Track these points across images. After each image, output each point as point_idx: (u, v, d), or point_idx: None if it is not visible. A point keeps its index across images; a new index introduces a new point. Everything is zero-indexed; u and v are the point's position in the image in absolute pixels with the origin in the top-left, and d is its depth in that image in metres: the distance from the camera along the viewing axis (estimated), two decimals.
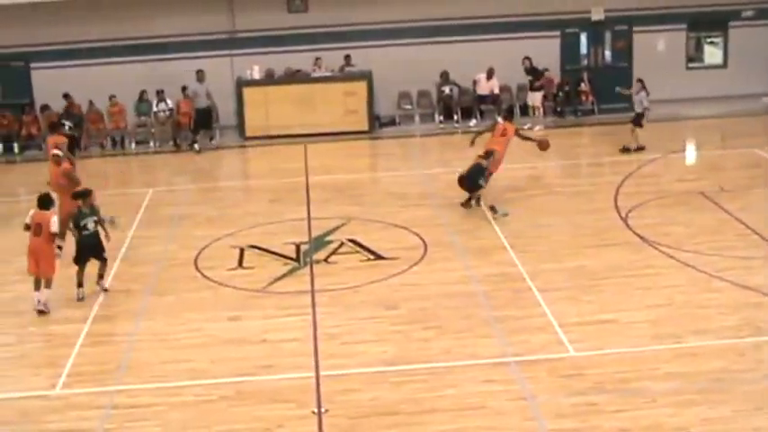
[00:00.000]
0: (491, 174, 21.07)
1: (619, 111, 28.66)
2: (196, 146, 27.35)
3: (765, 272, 17.08)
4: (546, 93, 28.54)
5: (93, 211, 17.13)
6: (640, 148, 25.02)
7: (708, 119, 27.90)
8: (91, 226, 16.95)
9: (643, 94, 25.16)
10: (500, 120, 22.72)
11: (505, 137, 21.71)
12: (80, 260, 16.96)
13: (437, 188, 22.63)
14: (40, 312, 16.28)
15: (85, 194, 17.18)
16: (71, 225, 17.10)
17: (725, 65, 30.41)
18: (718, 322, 15.15)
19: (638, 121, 25.14)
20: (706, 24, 30.55)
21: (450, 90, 28.75)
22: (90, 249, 17.00)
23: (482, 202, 20.96)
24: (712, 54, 30.85)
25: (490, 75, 28.33)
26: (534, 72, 28.45)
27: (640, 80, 25.65)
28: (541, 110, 28.50)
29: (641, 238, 18.89)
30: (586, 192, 22.19)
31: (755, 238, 18.71)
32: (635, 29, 29.89)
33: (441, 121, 28.67)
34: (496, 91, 28.55)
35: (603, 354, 14.21)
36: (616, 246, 18.55)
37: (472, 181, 20.61)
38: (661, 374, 13.51)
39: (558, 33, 29.51)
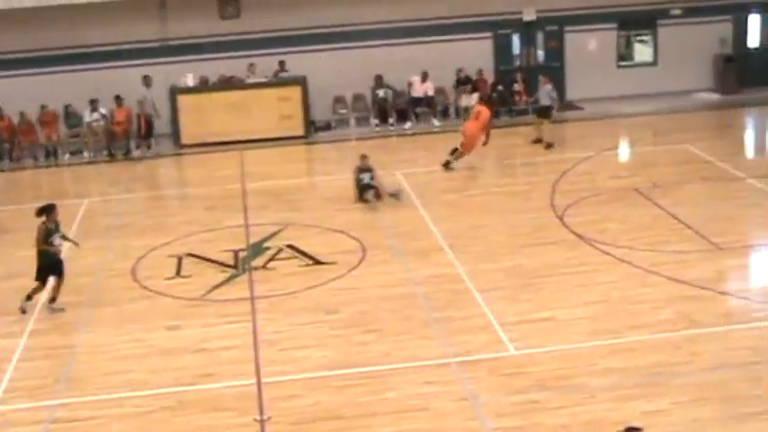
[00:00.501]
0: (462, 153, 23.05)
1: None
2: (137, 152, 27.25)
3: (699, 265, 17.34)
4: (481, 94, 28.69)
5: (58, 226, 16.92)
6: (550, 145, 25.43)
7: (639, 116, 28.24)
8: (57, 242, 16.77)
9: (549, 87, 25.90)
10: (475, 102, 23.63)
11: (478, 120, 23.20)
12: (44, 276, 16.70)
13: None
14: None
15: (50, 210, 16.81)
16: (42, 242, 16.58)
17: (655, 63, 30.81)
18: (653, 316, 15.36)
19: (545, 113, 25.73)
20: (635, 23, 30.94)
21: (385, 93, 28.82)
22: (55, 266, 16.76)
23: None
24: (642, 52, 31.24)
25: (424, 77, 28.47)
26: (468, 81, 28.65)
27: (546, 74, 26.58)
28: None
29: (577, 235, 19.08)
30: (522, 191, 22.36)
31: (689, 232, 18.99)
32: (566, 29, 30.18)
33: (376, 125, 28.71)
34: (431, 93, 28.68)
35: (543, 351, 14.34)
36: (553, 244, 18.72)
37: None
38: (600, 370, 13.67)
39: (490, 34, 29.68)
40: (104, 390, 13.87)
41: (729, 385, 13.06)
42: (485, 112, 23.87)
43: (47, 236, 16.58)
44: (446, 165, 23.76)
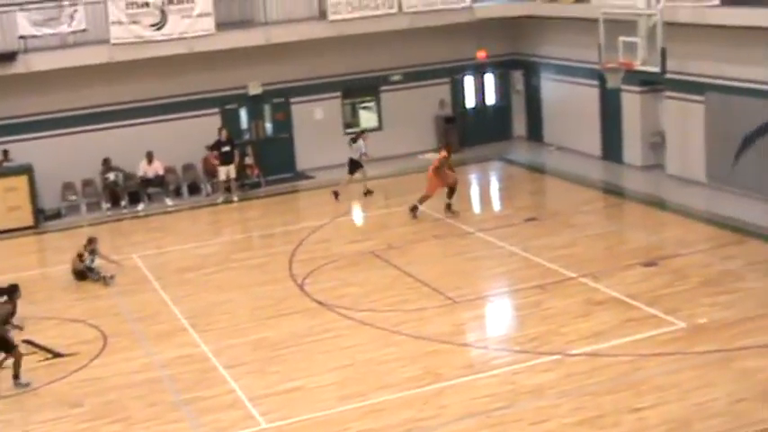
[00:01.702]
0: (426, 197, 24.66)
1: (285, 181, 29.48)
2: None
3: (438, 321, 17.92)
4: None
5: None
6: (369, 192, 27.30)
7: (369, 180, 28.94)
8: None
9: (361, 142, 27.20)
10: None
11: (433, 165, 24.57)
12: None
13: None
14: None
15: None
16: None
17: (380, 127, 31.67)
18: (400, 375, 15.73)
19: (352, 168, 27.23)
20: (359, 91, 31.78)
21: (115, 176, 28.31)
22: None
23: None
24: (368, 118, 32.09)
25: (150, 158, 28.13)
26: (231, 143, 28.52)
27: (363, 130, 28.23)
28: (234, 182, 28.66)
29: (319, 302, 19.32)
30: (262, 263, 22.44)
31: (426, 289, 19.58)
32: (292, 100, 30.64)
33: (108, 208, 28.14)
34: (161, 172, 28.38)
35: (294, 422, 14.42)
36: (296, 313, 18.89)
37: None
38: None
39: (217, 110, 29.75)
40: None
41: None
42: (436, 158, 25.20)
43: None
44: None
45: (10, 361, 16.71)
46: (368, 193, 27.60)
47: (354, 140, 27.77)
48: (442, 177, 24.75)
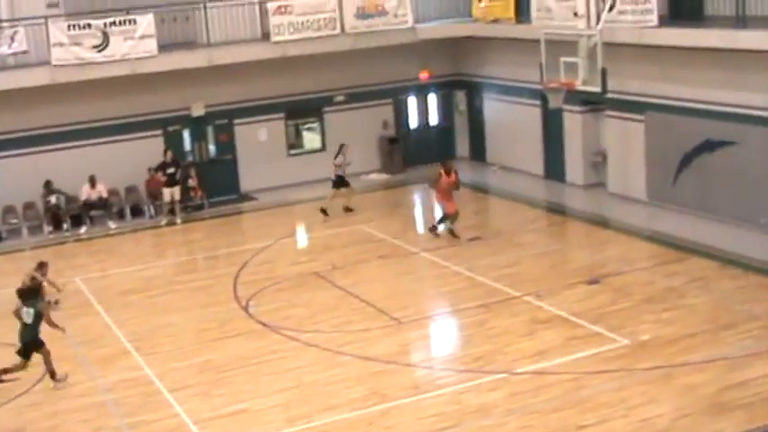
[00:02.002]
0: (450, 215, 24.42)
1: (229, 202, 29.39)
2: None
3: (383, 341, 17.94)
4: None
5: None
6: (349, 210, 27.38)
7: (313, 201, 28.89)
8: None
9: (341, 158, 27.34)
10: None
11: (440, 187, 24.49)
12: None
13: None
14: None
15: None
16: None
17: (323, 148, 31.64)
18: (345, 396, 15.71)
19: (338, 183, 27.47)
20: (302, 112, 31.80)
21: (57, 199, 28.05)
22: None
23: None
24: (311, 140, 32.09)
25: (93, 181, 27.90)
26: (177, 164, 28.36)
27: (342, 144, 27.96)
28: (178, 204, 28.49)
29: (263, 324, 19.26)
30: (205, 286, 22.31)
31: (371, 310, 19.60)
32: (236, 121, 30.56)
33: (50, 232, 27.84)
34: (104, 195, 28.16)
35: None
36: (240, 335, 18.81)
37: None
38: None
39: (160, 132, 29.58)
40: None
41: None
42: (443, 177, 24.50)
43: None
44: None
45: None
46: (347, 210, 27.52)
47: (336, 156, 27.67)
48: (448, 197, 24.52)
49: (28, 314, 17.04)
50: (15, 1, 27.74)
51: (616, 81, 24.46)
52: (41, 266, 21.51)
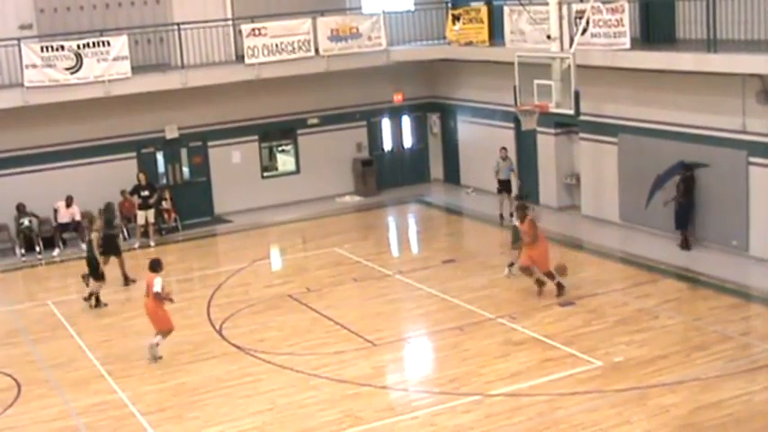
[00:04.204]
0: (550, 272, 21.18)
1: (203, 225, 29.33)
2: None
3: (358, 363, 17.92)
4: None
5: None
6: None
7: (288, 224, 28.89)
8: None
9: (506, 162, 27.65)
10: (516, 222, 21.91)
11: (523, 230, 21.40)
12: None
13: (26, 323, 21.80)
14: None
15: None
16: None
17: (298, 171, 31.70)
18: (320, 419, 15.68)
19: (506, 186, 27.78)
20: (276, 134, 31.84)
21: (30, 221, 27.90)
22: None
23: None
24: (285, 162, 32.12)
25: (69, 202, 27.80)
26: (151, 187, 28.25)
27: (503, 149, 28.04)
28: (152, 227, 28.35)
29: (237, 347, 19.20)
30: (179, 308, 22.10)
31: (345, 332, 19.59)
32: (210, 143, 30.51)
33: (23, 254, 27.68)
34: (78, 218, 28.02)
35: None
36: (214, 358, 18.75)
37: None
38: None
39: (134, 154, 29.49)
40: None
41: None
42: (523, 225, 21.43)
43: None
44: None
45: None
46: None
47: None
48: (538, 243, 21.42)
49: None
50: None
51: (589, 103, 24.59)
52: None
